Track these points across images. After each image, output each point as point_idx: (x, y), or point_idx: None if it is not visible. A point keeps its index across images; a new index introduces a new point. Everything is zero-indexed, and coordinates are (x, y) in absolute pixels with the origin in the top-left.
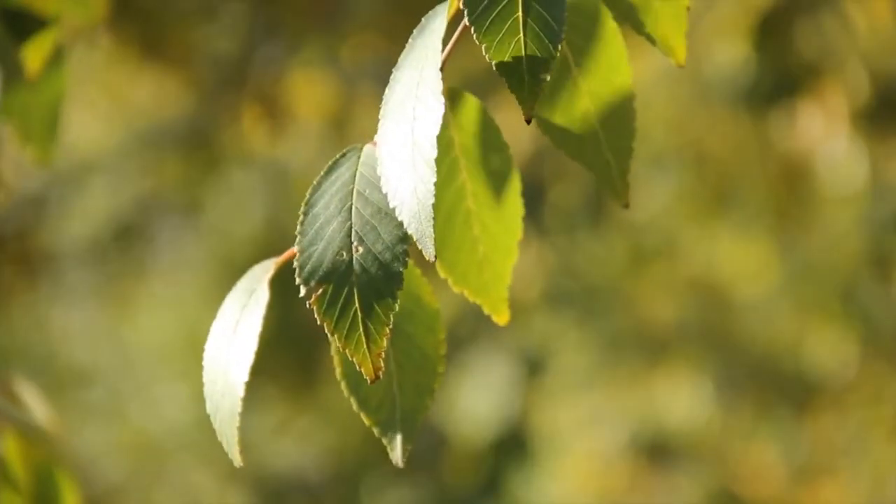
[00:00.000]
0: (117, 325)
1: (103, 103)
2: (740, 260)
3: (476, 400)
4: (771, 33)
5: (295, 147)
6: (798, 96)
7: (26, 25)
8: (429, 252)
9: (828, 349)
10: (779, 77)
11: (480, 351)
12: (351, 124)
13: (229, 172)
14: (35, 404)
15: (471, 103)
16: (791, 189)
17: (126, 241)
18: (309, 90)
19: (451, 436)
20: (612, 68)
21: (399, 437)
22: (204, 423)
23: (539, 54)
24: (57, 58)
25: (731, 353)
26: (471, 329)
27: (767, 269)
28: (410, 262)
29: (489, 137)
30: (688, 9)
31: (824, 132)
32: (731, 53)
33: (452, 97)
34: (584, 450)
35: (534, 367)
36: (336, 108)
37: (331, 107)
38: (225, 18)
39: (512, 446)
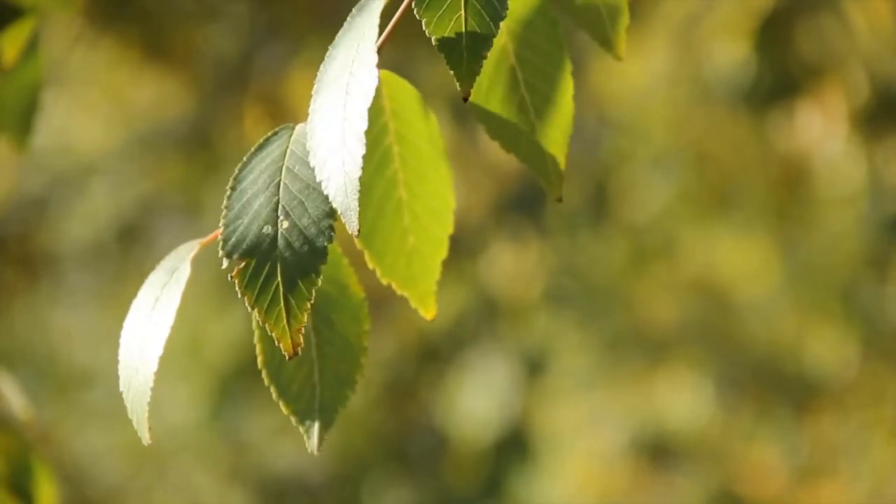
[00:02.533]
0: (118, 327)
1: (104, 105)
2: (740, 260)
3: (476, 400)
4: (771, 34)
5: None
6: (798, 97)
7: (1, 15)
8: (352, 226)
9: (828, 349)
10: (779, 77)
11: (480, 351)
12: None
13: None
14: (11, 394)
15: (408, 92)
16: (791, 190)
17: (127, 242)
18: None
19: (451, 436)
20: (552, 60)
21: (316, 426)
22: (205, 425)
23: (479, 31)
24: (32, 47)
25: (731, 353)
26: (471, 329)
27: (768, 269)
28: (338, 250)
29: (425, 127)
30: (628, 3)
31: (823, 133)
32: (731, 54)
33: (389, 84)
34: (584, 450)
35: (534, 368)
36: None
37: None
38: (226, 19)
39: (512, 447)
